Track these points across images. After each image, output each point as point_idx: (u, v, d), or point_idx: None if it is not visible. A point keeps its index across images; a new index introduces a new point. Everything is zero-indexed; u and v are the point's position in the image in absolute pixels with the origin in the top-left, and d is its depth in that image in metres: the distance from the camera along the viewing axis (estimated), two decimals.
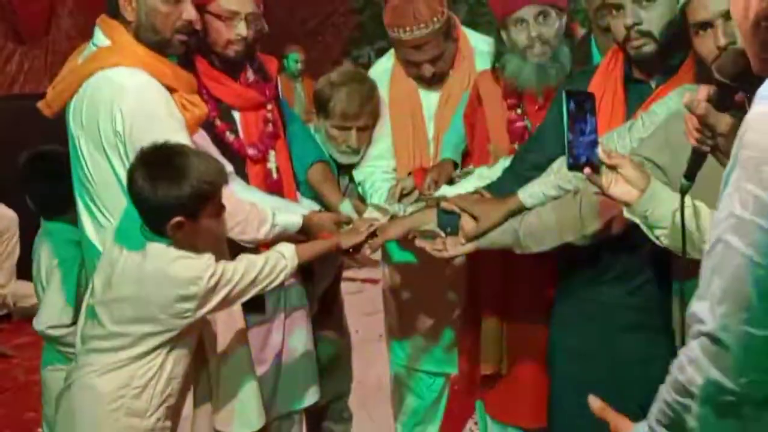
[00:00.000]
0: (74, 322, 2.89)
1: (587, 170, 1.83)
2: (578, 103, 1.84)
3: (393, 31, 2.91)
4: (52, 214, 3.06)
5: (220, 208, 2.22)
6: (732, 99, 1.55)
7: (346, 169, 3.08)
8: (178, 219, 2.11)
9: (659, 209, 1.79)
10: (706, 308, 1.13)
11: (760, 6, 1.22)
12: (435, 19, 2.86)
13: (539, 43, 2.60)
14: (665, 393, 1.22)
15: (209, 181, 2.14)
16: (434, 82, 3.01)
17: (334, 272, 3.15)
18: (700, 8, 1.90)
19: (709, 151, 1.60)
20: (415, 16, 2.84)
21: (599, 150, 1.81)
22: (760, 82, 1.18)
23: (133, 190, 2.15)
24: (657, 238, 1.83)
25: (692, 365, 1.15)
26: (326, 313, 3.13)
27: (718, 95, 1.54)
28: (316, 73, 9.11)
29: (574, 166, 1.84)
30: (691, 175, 1.63)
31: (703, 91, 1.57)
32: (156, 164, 2.13)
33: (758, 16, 1.23)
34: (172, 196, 2.09)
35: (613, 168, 1.82)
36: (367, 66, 8.57)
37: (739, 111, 1.58)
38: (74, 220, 2.62)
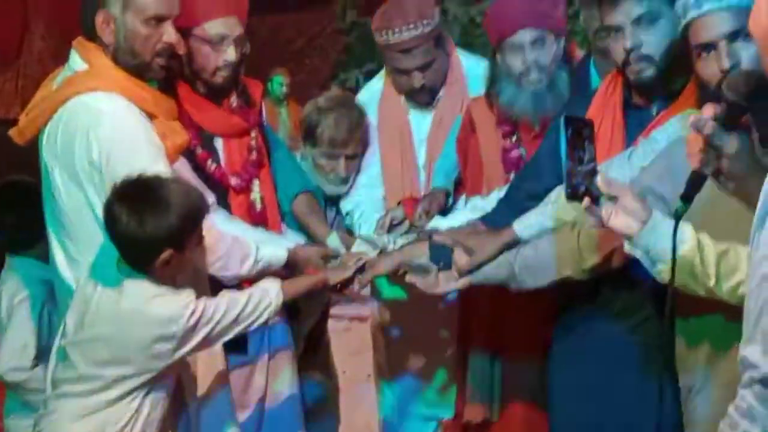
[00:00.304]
0: (36, 365, 2.88)
1: (586, 200, 1.84)
2: (577, 130, 1.85)
3: (382, 34, 2.94)
4: (19, 249, 3.05)
5: (201, 237, 2.23)
6: (740, 119, 1.57)
7: (334, 199, 3.09)
8: (168, 252, 2.12)
9: (661, 243, 1.79)
10: (758, 352, 1.09)
11: None
12: (425, 21, 2.90)
13: (535, 69, 2.63)
14: None
15: (194, 208, 2.16)
16: (425, 99, 3.03)
17: (321, 309, 3.15)
18: (703, 30, 1.93)
19: (710, 174, 1.62)
20: (403, 17, 2.89)
21: (598, 179, 1.83)
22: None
23: (116, 227, 2.13)
24: (659, 273, 1.84)
25: (747, 418, 1.11)
26: (312, 352, 3.12)
27: (726, 114, 1.56)
28: (302, 96, 9.14)
29: (573, 195, 1.85)
30: (688, 197, 1.64)
31: (710, 109, 1.58)
32: (138, 197, 2.12)
33: None
34: (162, 228, 2.09)
35: (613, 198, 1.84)
36: (355, 89, 8.63)
37: (745, 132, 1.61)
38: (41, 256, 2.60)
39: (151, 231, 2.09)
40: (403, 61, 2.94)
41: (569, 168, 1.84)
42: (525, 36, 2.63)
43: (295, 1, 9.10)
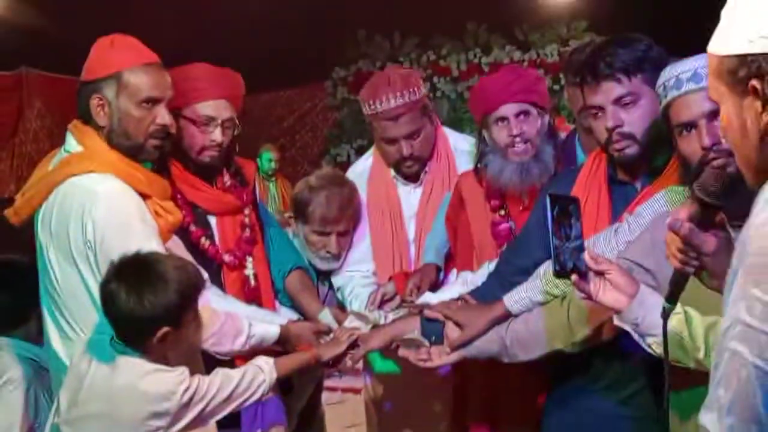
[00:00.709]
0: None
1: (574, 277, 1.87)
2: (562, 208, 1.89)
3: (370, 104, 3.00)
4: (7, 328, 3.04)
5: (197, 313, 2.24)
6: (714, 217, 1.61)
7: (326, 275, 3.11)
8: (165, 329, 2.13)
9: (650, 316, 1.82)
10: (714, 420, 1.13)
11: (765, 120, 1.25)
12: (411, 90, 2.98)
13: (521, 141, 2.68)
14: None
15: (191, 284, 2.18)
16: (413, 169, 3.06)
17: (314, 384, 3.14)
18: (683, 109, 1.98)
19: (692, 272, 1.65)
20: (390, 87, 2.96)
21: (586, 255, 1.86)
22: (742, 199, 1.23)
23: (114, 304, 2.14)
24: (649, 346, 1.85)
25: None
26: (307, 426, 3.11)
27: (700, 214, 1.61)
28: (294, 172, 9.27)
29: (561, 273, 1.88)
30: (673, 298, 1.68)
31: (684, 211, 1.63)
32: (135, 275, 2.14)
33: (765, 131, 1.26)
34: (161, 305, 2.11)
35: (600, 274, 1.87)
36: (347, 165, 8.73)
37: (722, 230, 1.65)
38: (27, 336, 2.59)
39: (150, 308, 2.10)
40: (391, 129, 2.99)
41: (556, 245, 1.87)
42: (509, 109, 2.69)
43: (286, 78, 9.24)
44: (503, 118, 2.70)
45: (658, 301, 1.83)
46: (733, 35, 1.30)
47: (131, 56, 2.44)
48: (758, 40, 1.26)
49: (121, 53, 2.44)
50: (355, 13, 8.49)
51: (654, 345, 1.84)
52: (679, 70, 1.99)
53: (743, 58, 1.28)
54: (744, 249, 1.16)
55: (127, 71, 2.41)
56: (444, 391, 2.92)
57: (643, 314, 1.83)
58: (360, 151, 9.08)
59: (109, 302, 2.15)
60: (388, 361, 3.04)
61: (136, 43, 2.48)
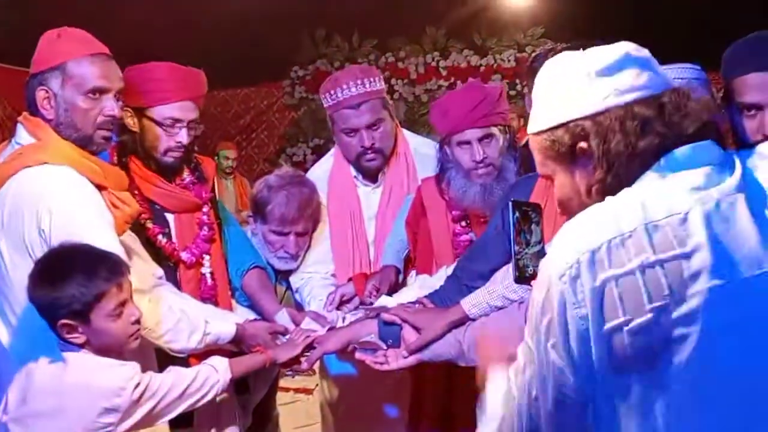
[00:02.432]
0: None
1: (534, 282, 1.87)
2: (524, 214, 1.90)
3: (331, 94, 2.99)
4: None
5: (123, 308, 2.15)
6: None
7: (284, 275, 3.08)
8: (64, 321, 2.08)
9: None
10: None
11: (593, 176, 1.45)
12: (372, 79, 2.98)
13: (483, 165, 2.67)
14: None
15: (89, 283, 2.09)
16: (374, 165, 3.04)
17: (269, 383, 3.12)
18: None
19: None
20: (351, 75, 2.98)
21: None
22: None
23: (28, 293, 2.13)
24: None
25: None
26: (261, 427, 3.08)
27: None
28: (249, 170, 9.20)
29: (521, 278, 1.88)
30: None
31: None
32: (42, 266, 2.12)
33: (591, 185, 1.46)
34: (49, 297, 2.07)
35: None
36: (303, 164, 8.66)
37: None
38: None
39: (40, 298, 2.08)
40: (352, 118, 2.97)
41: (516, 251, 1.87)
42: (473, 134, 2.68)
43: (244, 76, 9.17)
44: (467, 142, 2.69)
45: None
46: (552, 109, 1.48)
47: (77, 47, 2.38)
48: (574, 106, 1.44)
49: (67, 44, 2.38)
50: (314, 13, 8.46)
51: None
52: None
53: (566, 126, 1.44)
54: None
55: (72, 62, 2.35)
56: (400, 393, 2.91)
57: None
58: (316, 151, 9.06)
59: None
60: (344, 363, 3.04)
61: (84, 34, 2.42)
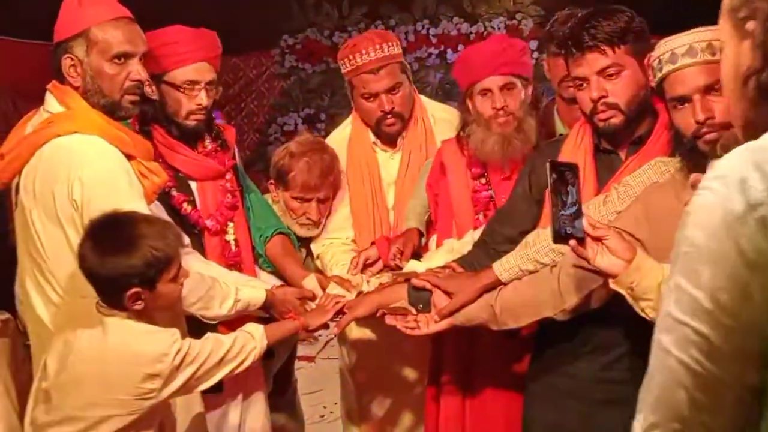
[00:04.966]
0: None
1: (573, 242, 1.91)
2: (560, 174, 1.93)
3: (350, 59, 3.00)
4: None
5: (179, 271, 2.19)
6: None
7: (304, 242, 3.10)
8: (134, 290, 2.10)
9: (645, 281, 1.88)
10: (641, 417, 1.08)
11: (750, 62, 1.16)
12: (390, 44, 3.00)
13: (504, 114, 2.70)
14: None
15: (161, 248, 2.13)
16: (394, 130, 3.05)
17: (290, 349, 3.15)
18: (678, 83, 2.03)
19: None
20: (369, 41, 2.99)
21: (584, 221, 1.90)
22: None
23: (84, 263, 2.13)
24: (642, 310, 1.90)
25: None
26: (280, 394, 3.11)
27: None
28: (240, 140, 9.14)
29: (559, 238, 1.92)
30: None
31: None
32: (104, 236, 2.12)
33: (747, 73, 1.16)
34: (122, 267, 2.08)
35: (597, 239, 1.92)
36: (294, 134, 8.62)
37: None
38: None
39: (111, 269, 2.08)
40: (372, 83, 2.99)
41: (554, 212, 1.91)
42: (494, 82, 2.70)
43: (233, 45, 9.10)
44: (488, 90, 2.72)
45: (653, 267, 1.89)
46: None
47: (99, 12, 2.38)
48: None
49: (89, 10, 2.38)
50: None
51: (647, 309, 1.90)
52: (675, 45, 2.04)
53: None
54: (681, 233, 1.08)
55: (95, 28, 2.36)
56: (420, 355, 2.94)
57: (639, 279, 1.88)
58: (307, 120, 9.02)
59: (80, 260, 2.14)
60: (362, 328, 3.07)
61: None
